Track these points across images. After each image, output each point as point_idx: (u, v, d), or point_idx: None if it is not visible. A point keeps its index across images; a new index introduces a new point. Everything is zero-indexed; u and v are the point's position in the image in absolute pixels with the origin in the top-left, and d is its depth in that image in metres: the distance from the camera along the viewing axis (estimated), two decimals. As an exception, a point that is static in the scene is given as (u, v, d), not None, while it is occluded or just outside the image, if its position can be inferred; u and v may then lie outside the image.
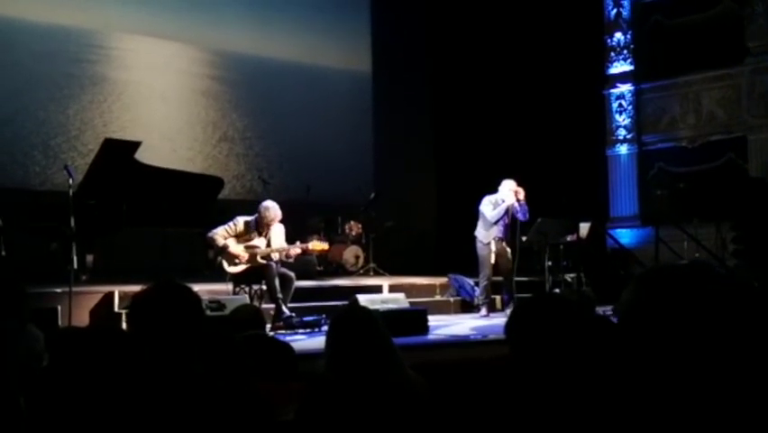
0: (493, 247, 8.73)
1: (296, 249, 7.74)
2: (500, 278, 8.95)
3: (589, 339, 1.98)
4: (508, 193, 8.71)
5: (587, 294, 8.82)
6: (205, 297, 6.85)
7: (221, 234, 7.60)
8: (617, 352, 1.30)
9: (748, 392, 1.18)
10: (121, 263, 9.21)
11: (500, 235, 8.77)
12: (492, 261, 8.76)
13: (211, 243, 7.68)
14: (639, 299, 1.27)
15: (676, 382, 1.21)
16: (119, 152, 8.17)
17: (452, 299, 9.56)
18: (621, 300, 1.31)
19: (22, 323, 2.48)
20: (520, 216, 8.77)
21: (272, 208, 7.66)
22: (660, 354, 1.22)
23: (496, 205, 8.77)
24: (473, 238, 8.93)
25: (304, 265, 9.47)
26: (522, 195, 8.70)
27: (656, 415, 1.23)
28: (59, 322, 6.33)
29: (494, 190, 8.90)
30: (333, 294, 8.71)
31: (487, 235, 8.78)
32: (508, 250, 8.84)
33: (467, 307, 9.44)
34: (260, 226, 7.67)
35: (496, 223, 8.76)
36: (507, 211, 8.76)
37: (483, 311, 8.88)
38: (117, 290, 7.44)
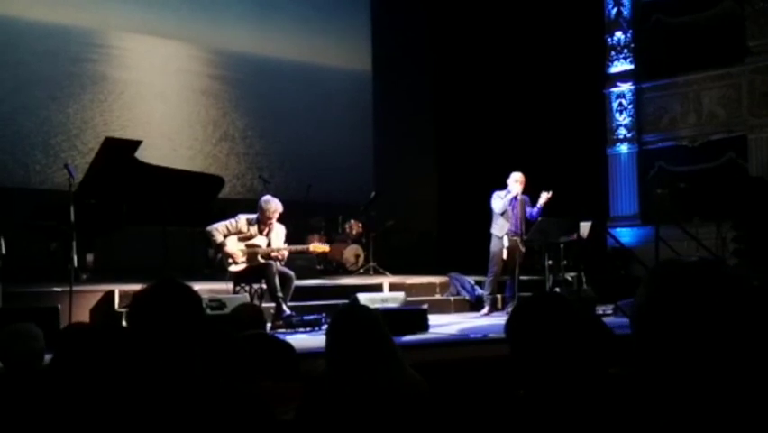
0: (506, 242, 8.69)
1: (285, 251, 7.69)
2: (506, 277, 8.92)
3: (589, 339, 1.98)
4: (514, 184, 8.72)
5: (587, 294, 8.82)
6: (205, 296, 6.86)
7: (220, 231, 7.59)
8: (630, 348, 1.30)
9: (757, 388, 1.19)
10: (121, 262, 9.22)
11: (513, 229, 8.74)
12: (504, 256, 8.73)
13: (209, 237, 7.67)
14: (653, 296, 1.27)
15: (691, 378, 1.21)
16: (119, 151, 8.18)
17: (452, 298, 9.56)
18: (635, 297, 1.31)
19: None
20: (532, 215, 8.78)
21: (273, 201, 7.66)
22: (674, 352, 1.22)
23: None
24: (489, 236, 8.92)
25: (304, 264, 9.48)
26: (543, 199, 8.67)
27: (670, 411, 1.23)
28: (60, 321, 6.33)
29: (500, 186, 8.90)
30: (334, 293, 8.71)
31: (500, 229, 8.78)
32: (521, 249, 8.81)
33: (467, 306, 9.44)
34: (262, 223, 7.66)
35: (503, 214, 8.74)
36: (517, 203, 8.73)
37: (485, 309, 8.88)
38: (117, 289, 7.44)
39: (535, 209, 8.75)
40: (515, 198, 8.72)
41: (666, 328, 1.24)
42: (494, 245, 8.85)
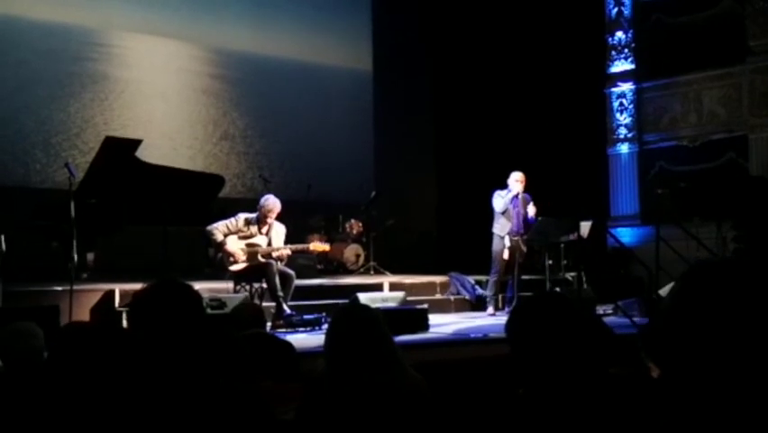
0: (507, 242, 8.69)
1: (287, 250, 7.71)
2: (509, 277, 8.90)
3: (589, 338, 1.98)
4: (514, 183, 8.72)
5: (587, 293, 8.81)
6: (205, 295, 6.86)
7: (220, 230, 7.60)
8: (658, 350, 1.29)
9: None
10: (121, 261, 9.21)
11: (515, 229, 8.72)
12: (506, 256, 8.71)
13: (209, 236, 7.68)
14: (685, 295, 1.27)
15: (718, 378, 1.20)
16: (120, 151, 8.16)
17: (452, 298, 9.56)
18: (665, 298, 1.30)
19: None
20: (528, 218, 8.76)
21: (271, 199, 7.70)
22: (704, 351, 1.22)
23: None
24: (491, 235, 8.91)
25: (304, 263, 9.48)
26: (533, 212, 8.68)
27: (692, 411, 1.23)
28: (60, 320, 6.33)
29: (501, 186, 8.89)
30: (334, 293, 8.72)
31: (501, 229, 8.77)
32: (523, 249, 8.80)
33: (468, 305, 9.44)
34: (262, 222, 7.67)
35: (504, 214, 8.73)
36: (519, 201, 8.72)
37: (490, 309, 8.85)
38: (118, 288, 7.44)
39: (530, 218, 8.73)
40: (516, 196, 8.72)
41: (697, 328, 1.23)
42: (496, 245, 8.84)
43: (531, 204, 8.73)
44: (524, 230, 8.79)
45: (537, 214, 8.74)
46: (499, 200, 8.76)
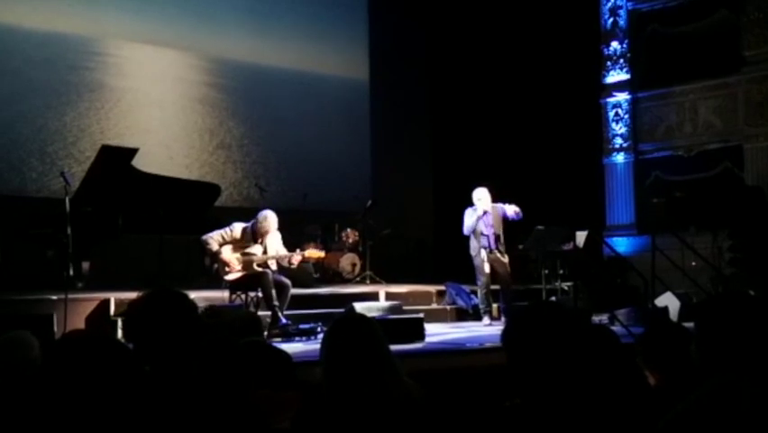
0: (484, 257, 8.63)
1: (296, 256, 7.72)
2: (497, 286, 8.89)
3: (586, 347, 1.98)
4: (477, 202, 8.61)
5: (583, 303, 8.80)
6: (201, 304, 6.84)
7: (216, 240, 7.58)
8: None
9: None
10: (117, 270, 9.19)
11: (486, 245, 8.62)
12: (487, 270, 8.65)
13: (204, 246, 7.66)
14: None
15: None
16: (116, 159, 8.17)
17: (448, 307, 9.54)
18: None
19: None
20: (510, 217, 8.66)
21: (270, 219, 7.63)
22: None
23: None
24: (469, 253, 8.87)
25: (300, 273, 9.47)
26: (512, 211, 8.57)
27: None
28: (55, 329, 6.31)
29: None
30: (330, 302, 8.70)
31: (475, 247, 8.69)
32: (504, 259, 8.74)
33: (464, 315, 9.43)
34: (257, 235, 7.66)
35: (474, 233, 8.61)
36: (489, 217, 8.64)
37: (486, 320, 8.80)
38: (113, 297, 7.43)
39: (508, 209, 8.60)
40: (484, 214, 8.62)
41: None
42: (474, 259, 8.74)
43: (507, 205, 8.62)
44: (497, 245, 8.70)
45: (522, 209, 8.60)
46: (467, 221, 8.68)
